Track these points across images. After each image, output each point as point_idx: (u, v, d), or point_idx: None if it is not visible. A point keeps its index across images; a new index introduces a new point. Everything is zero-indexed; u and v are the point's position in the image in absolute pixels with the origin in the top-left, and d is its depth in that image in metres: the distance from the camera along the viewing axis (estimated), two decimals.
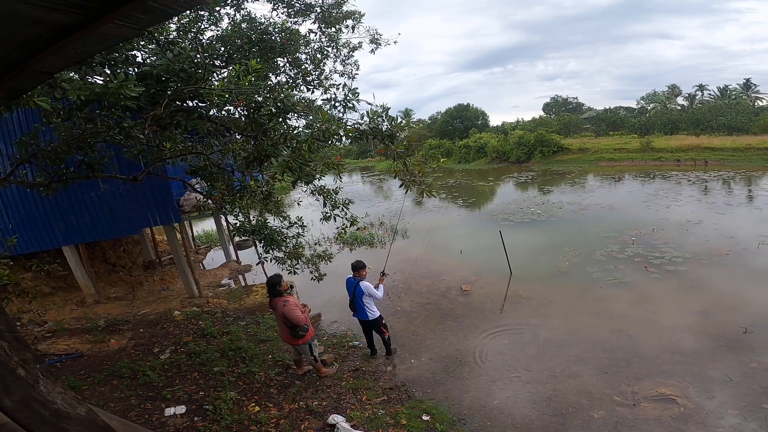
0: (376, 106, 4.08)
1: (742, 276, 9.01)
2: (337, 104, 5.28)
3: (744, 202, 16.55)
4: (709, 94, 46.86)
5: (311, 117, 4.75)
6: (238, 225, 6.06)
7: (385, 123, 3.84)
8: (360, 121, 3.98)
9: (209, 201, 5.88)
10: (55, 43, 1.62)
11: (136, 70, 4.04)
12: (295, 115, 4.83)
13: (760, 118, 33.91)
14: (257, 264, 7.67)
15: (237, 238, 13.40)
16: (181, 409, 5.01)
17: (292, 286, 5.64)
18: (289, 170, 3.36)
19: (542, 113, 59.00)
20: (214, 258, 14.66)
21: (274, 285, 5.33)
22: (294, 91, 6.48)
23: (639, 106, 52.27)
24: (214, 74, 4.79)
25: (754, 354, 5.93)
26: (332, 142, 3.88)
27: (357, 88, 5.27)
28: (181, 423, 4.74)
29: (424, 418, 4.90)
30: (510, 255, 10.46)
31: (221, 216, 10.18)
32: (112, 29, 1.72)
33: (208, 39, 5.68)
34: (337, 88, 6.44)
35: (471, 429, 4.84)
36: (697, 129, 35.54)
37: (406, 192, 3.89)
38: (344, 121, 4.24)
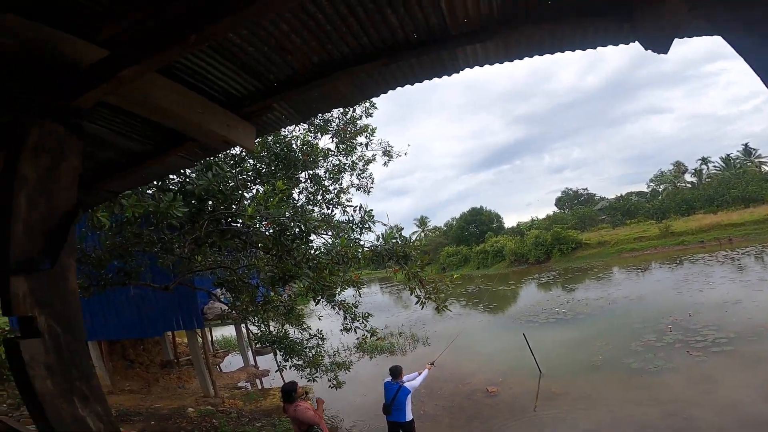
0: (390, 227, 4.48)
1: None
2: (354, 226, 5.58)
3: None
4: (714, 167, 47.24)
5: (330, 236, 5.13)
6: (259, 334, 6.24)
7: (399, 242, 4.20)
8: (376, 242, 4.36)
9: (233, 311, 6.18)
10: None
11: (179, 187, 4.46)
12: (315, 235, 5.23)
13: None
14: (276, 371, 7.61)
15: (257, 345, 13.57)
16: None
17: (306, 393, 5.53)
18: (312, 291, 3.66)
19: (555, 209, 59.90)
20: (232, 362, 14.72)
21: (290, 392, 5.26)
22: (314, 209, 6.94)
23: (650, 189, 52.71)
24: (244, 194, 5.32)
25: None
26: (351, 264, 4.19)
27: (372, 210, 5.62)
28: None
29: None
30: (538, 355, 9.98)
31: (242, 324, 10.39)
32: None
33: (240, 152, 6.02)
34: (355, 209, 6.45)
35: None
36: (713, 206, 35.34)
37: (422, 308, 4.12)
38: (362, 243, 4.63)
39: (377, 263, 4.71)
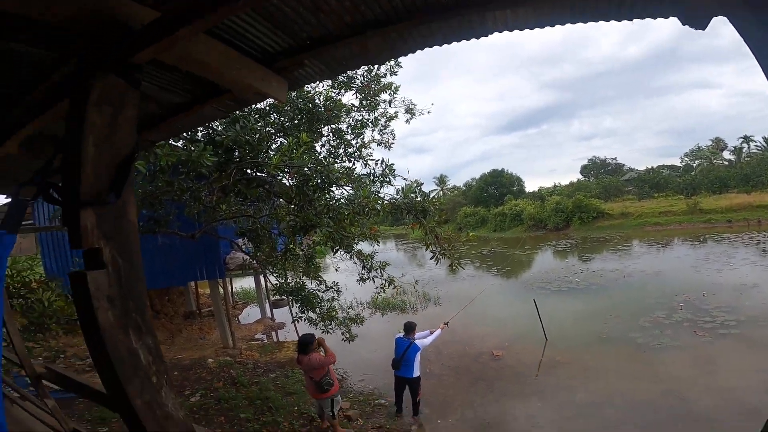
0: (411, 181, 4.57)
1: None
2: (375, 179, 5.71)
3: None
4: (756, 146, 44.64)
5: (351, 188, 5.32)
6: (278, 285, 6.57)
7: (418, 197, 4.30)
8: (395, 195, 4.46)
9: (254, 261, 6.48)
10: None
11: (207, 138, 4.62)
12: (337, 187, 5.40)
13: None
14: (291, 322, 8.05)
15: (274, 297, 14.03)
16: None
17: (319, 346, 5.89)
18: (332, 240, 3.81)
19: (580, 176, 58.07)
20: (250, 314, 15.32)
21: (307, 344, 5.50)
22: (336, 162, 7.10)
23: (683, 163, 50.63)
24: (270, 145, 5.49)
25: None
26: (370, 216, 4.32)
27: (393, 164, 5.65)
28: None
29: None
30: (546, 322, 10.19)
31: (261, 275, 10.83)
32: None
33: (265, 106, 6.15)
34: (376, 163, 6.55)
35: None
36: (747, 186, 33.89)
37: (437, 264, 4.23)
38: (381, 196, 4.74)
39: (396, 217, 4.84)
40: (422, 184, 4.47)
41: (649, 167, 49.55)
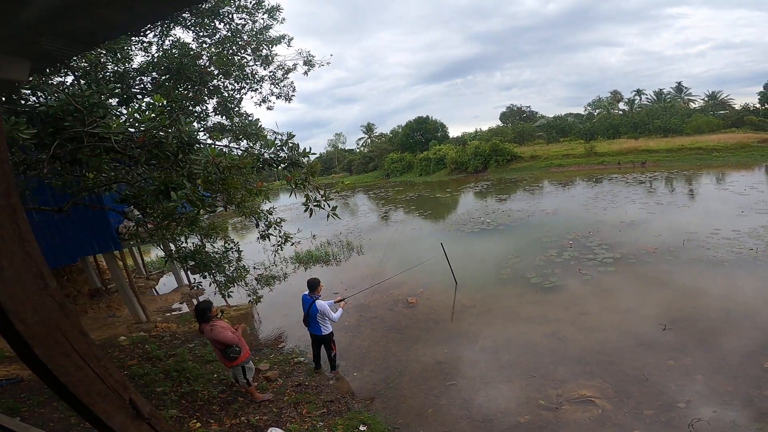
0: (280, 134, 4.41)
1: (665, 273, 9.56)
2: (239, 134, 5.65)
3: (674, 200, 17.92)
4: (647, 98, 50.73)
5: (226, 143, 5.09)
6: (171, 251, 6.20)
7: (285, 152, 4.18)
8: (261, 150, 4.30)
9: (137, 229, 5.97)
10: None
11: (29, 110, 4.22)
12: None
13: (692, 120, 36.98)
14: (191, 288, 7.76)
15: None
16: None
17: (222, 311, 5.77)
18: (190, 202, 3.60)
19: (499, 122, 61.66)
20: (166, 283, 14.49)
21: (204, 311, 5.41)
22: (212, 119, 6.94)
23: (586, 112, 55.73)
24: (118, 111, 4.99)
25: (671, 351, 6.22)
26: (227, 174, 4.11)
27: (258, 119, 5.80)
28: None
29: (361, 428, 5.16)
30: (457, 264, 10.96)
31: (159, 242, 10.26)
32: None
33: (110, 73, 5.98)
34: (245, 118, 6.88)
35: None
36: (635, 132, 38.30)
37: (310, 216, 4.21)
38: (231, 151, 4.53)
39: (263, 171, 4.77)
40: (294, 136, 4.42)
41: (558, 115, 54.22)
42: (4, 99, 4.28)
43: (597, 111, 53.57)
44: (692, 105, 46.79)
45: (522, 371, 6.30)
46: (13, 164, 4.09)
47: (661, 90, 49.97)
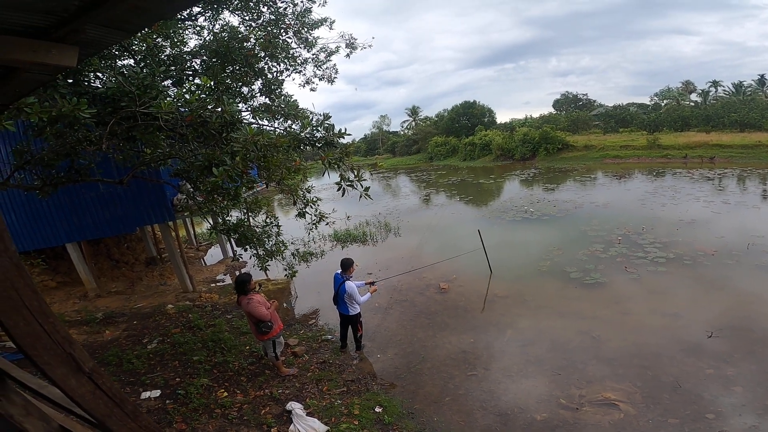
0: (317, 115, 4.47)
1: (722, 278, 8.84)
2: (278, 116, 5.79)
3: (743, 200, 16.29)
4: (724, 91, 45.97)
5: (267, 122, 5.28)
6: (218, 223, 6.52)
7: (321, 132, 4.22)
8: (298, 131, 4.38)
9: (189, 201, 6.34)
10: None
11: (92, 90, 4.58)
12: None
13: None
14: (232, 261, 8.09)
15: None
16: (156, 393, 5.48)
17: (260, 285, 6.00)
18: (229, 178, 3.76)
19: (552, 110, 58.63)
20: (214, 255, 15.24)
21: (244, 283, 5.66)
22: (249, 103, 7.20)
23: (653, 102, 51.45)
24: (170, 92, 5.32)
25: (714, 360, 5.86)
26: (264, 152, 4.24)
27: (296, 100, 5.91)
28: (154, 405, 5.21)
29: (377, 410, 5.23)
30: (494, 254, 10.69)
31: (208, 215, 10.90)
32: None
33: (167, 56, 6.30)
34: (285, 99, 7.01)
35: (417, 423, 5.08)
36: (707, 126, 35.00)
37: (343, 195, 4.25)
38: (269, 131, 4.64)
39: (301, 150, 4.89)
40: (330, 117, 4.50)
41: (618, 104, 50.42)
42: (70, 81, 4.70)
43: (665, 102, 49.17)
44: None
45: (548, 368, 6.10)
46: (76, 140, 4.46)
47: (741, 82, 44.91)
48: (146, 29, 5.31)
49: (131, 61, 6.19)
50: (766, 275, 8.78)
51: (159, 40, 6.27)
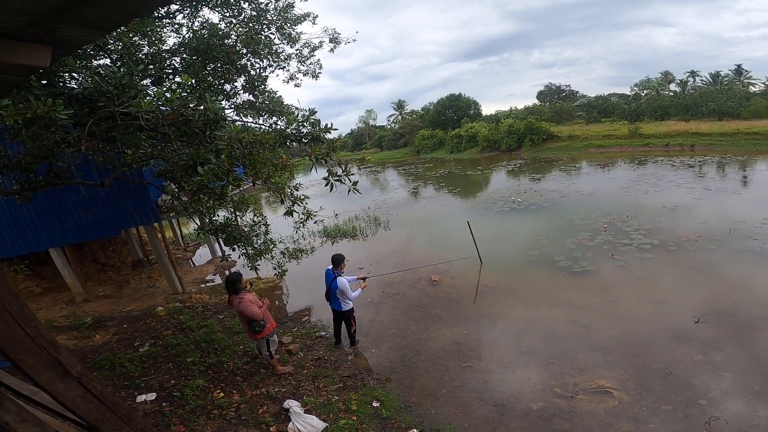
0: (303, 110, 4.44)
1: (706, 263, 9.00)
2: (263, 112, 5.74)
3: (724, 186, 16.66)
4: (702, 80, 46.93)
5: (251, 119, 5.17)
6: (205, 223, 6.45)
7: (307, 128, 4.20)
8: (283, 126, 4.35)
9: (174, 202, 6.23)
10: None
11: (67, 92, 4.49)
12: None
13: (751, 104, 33.95)
14: (221, 260, 8.02)
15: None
16: (151, 396, 5.42)
17: (251, 284, 5.95)
18: (215, 176, 3.71)
19: (537, 101, 59.40)
20: (202, 255, 15.07)
21: (234, 283, 5.61)
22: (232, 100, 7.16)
23: (633, 92, 52.21)
24: (149, 91, 5.22)
25: (702, 346, 5.95)
26: (250, 150, 4.21)
27: (281, 96, 5.91)
28: (150, 408, 5.16)
29: (374, 404, 5.26)
30: (483, 244, 10.77)
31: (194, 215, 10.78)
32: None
33: (144, 55, 6.18)
34: (269, 96, 7.00)
35: (415, 416, 5.12)
36: (687, 115, 35.71)
37: (331, 190, 4.24)
38: (254, 127, 4.59)
39: (287, 146, 4.89)
40: (316, 112, 4.47)
41: (600, 95, 51.09)
42: (44, 82, 4.58)
43: (645, 92, 50.00)
44: (752, 89, 42.71)
45: (541, 357, 6.18)
46: (54, 142, 4.35)
47: (718, 72, 45.99)
48: (122, 28, 5.17)
49: (107, 61, 6.04)
50: (748, 259, 9.01)
51: (136, 38, 6.12)
